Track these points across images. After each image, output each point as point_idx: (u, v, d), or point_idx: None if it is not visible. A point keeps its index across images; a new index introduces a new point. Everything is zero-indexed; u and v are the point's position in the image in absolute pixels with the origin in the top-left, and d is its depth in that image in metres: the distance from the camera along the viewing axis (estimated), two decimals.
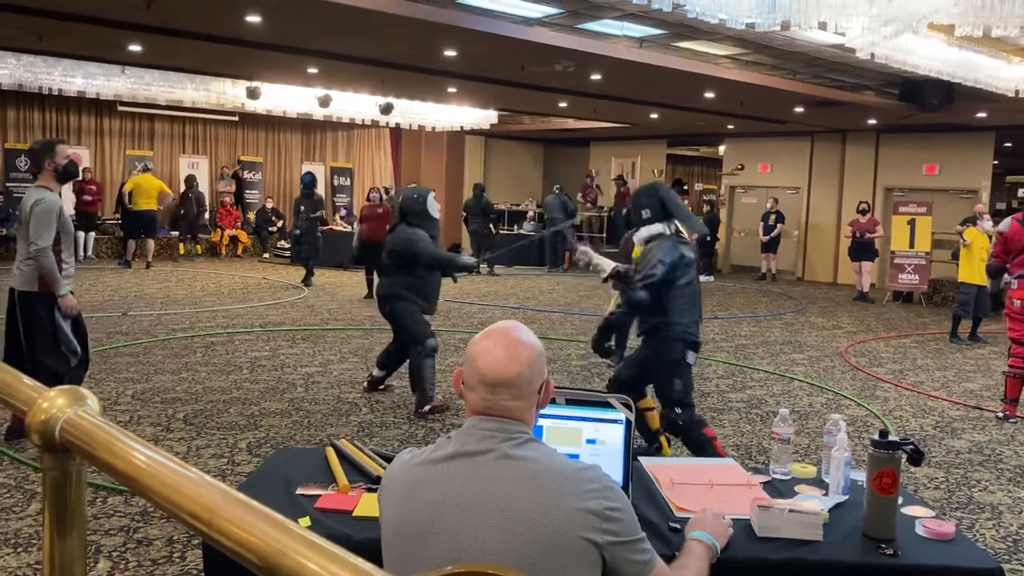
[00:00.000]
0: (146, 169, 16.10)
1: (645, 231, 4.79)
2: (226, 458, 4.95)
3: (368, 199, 12.39)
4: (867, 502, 2.28)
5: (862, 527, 2.28)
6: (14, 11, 8.70)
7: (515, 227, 19.67)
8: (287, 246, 17.52)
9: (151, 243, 15.34)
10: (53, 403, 1.00)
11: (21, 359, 4.90)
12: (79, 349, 5.14)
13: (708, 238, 17.01)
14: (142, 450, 0.92)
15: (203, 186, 17.98)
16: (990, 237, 9.38)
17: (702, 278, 16.12)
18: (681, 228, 4.83)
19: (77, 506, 1.04)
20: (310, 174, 14.00)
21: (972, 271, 10.06)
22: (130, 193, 15.28)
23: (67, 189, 15.75)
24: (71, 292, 5.08)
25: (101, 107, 17.11)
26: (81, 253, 15.51)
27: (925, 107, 12.16)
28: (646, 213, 4.80)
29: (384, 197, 12.91)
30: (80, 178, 15.72)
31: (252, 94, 14.22)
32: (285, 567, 0.73)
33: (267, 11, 8.40)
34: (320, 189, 19.80)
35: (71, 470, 1.02)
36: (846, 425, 2.73)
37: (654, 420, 4.96)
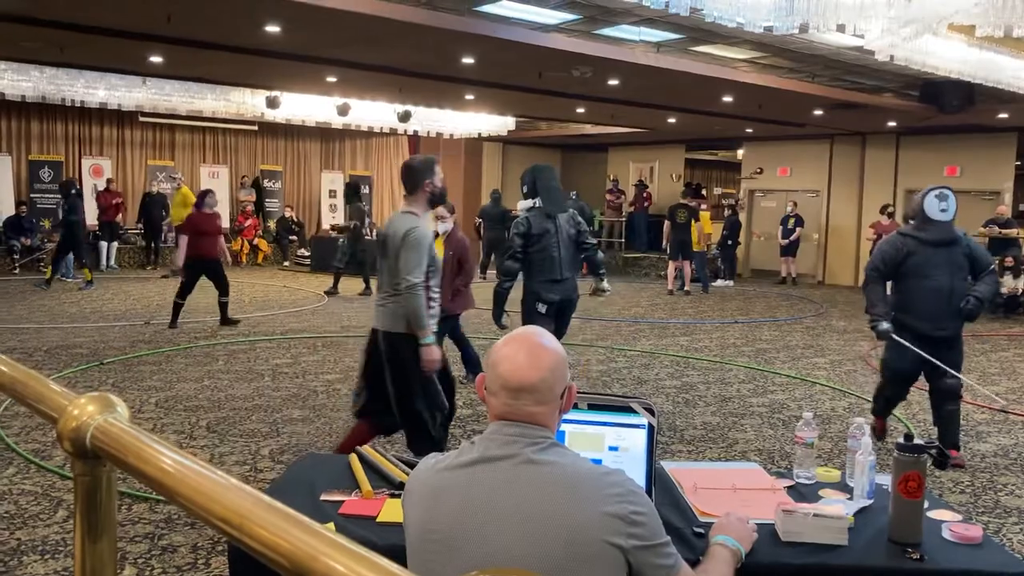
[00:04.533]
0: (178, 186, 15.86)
1: (520, 204, 5.96)
2: (249, 465, 4.98)
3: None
4: (893, 506, 2.27)
5: (888, 531, 2.26)
6: (38, 24, 8.83)
7: None
8: (307, 254, 17.64)
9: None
10: (84, 410, 1.02)
11: (380, 404, 4.32)
12: (446, 404, 4.39)
13: (730, 242, 16.96)
14: (172, 456, 0.92)
15: (223, 195, 18.11)
16: None
17: (720, 283, 16.24)
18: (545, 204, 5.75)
19: (108, 512, 1.05)
20: (347, 183, 14.04)
21: None
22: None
23: (90, 201, 16.01)
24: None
25: (123, 118, 17.30)
26: (104, 263, 15.67)
27: (945, 108, 12.08)
28: (524, 189, 5.91)
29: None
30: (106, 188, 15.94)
31: (272, 103, 14.32)
32: (316, 571, 0.73)
33: (286, 21, 8.47)
34: (340, 198, 19.99)
35: (102, 476, 1.03)
36: (870, 428, 2.71)
37: None
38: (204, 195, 9.83)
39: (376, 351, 4.25)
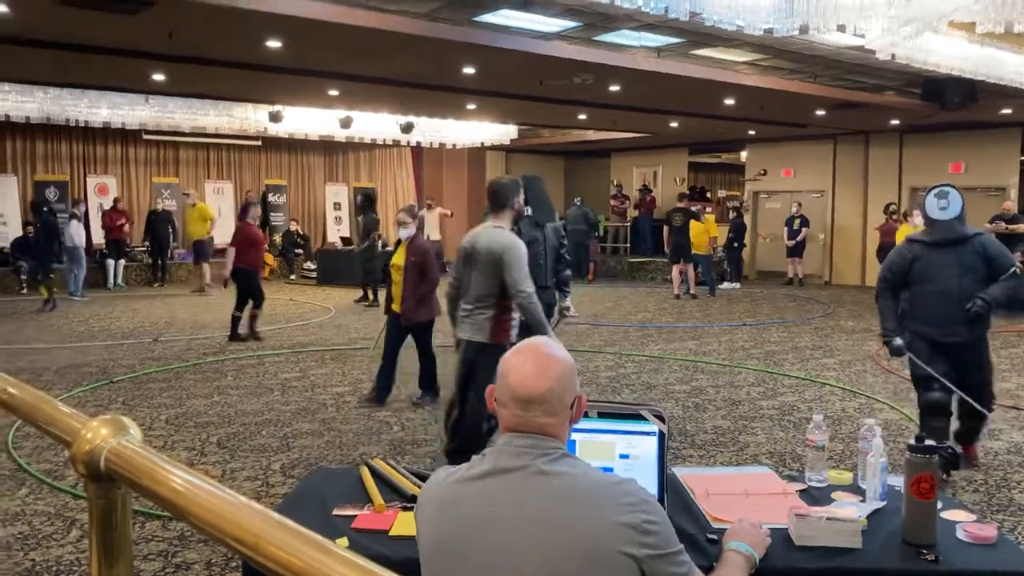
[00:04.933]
0: (192, 204, 15.85)
1: None
2: (260, 480, 4.99)
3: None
4: (906, 508, 2.26)
5: (901, 533, 2.25)
6: (41, 46, 8.88)
7: None
8: (313, 267, 17.67)
9: (203, 267, 15.21)
10: (97, 433, 1.02)
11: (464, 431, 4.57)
12: None
13: (735, 244, 16.96)
14: (185, 477, 0.93)
15: (228, 210, 18.18)
16: None
17: (726, 285, 16.23)
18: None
19: (123, 534, 1.06)
20: (363, 194, 14.08)
21: None
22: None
23: (95, 219, 16.09)
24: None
25: (127, 136, 17.38)
26: (111, 281, 15.72)
27: (948, 106, 12.06)
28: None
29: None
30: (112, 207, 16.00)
31: (274, 118, 14.38)
32: None
33: (287, 36, 8.51)
34: (344, 211, 20.05)
35: (116, 499, 1.04)
36: (881, 429, 2.70)
37: None
38: (248, 207, 9.91)
39: (462, 361, 4.58)
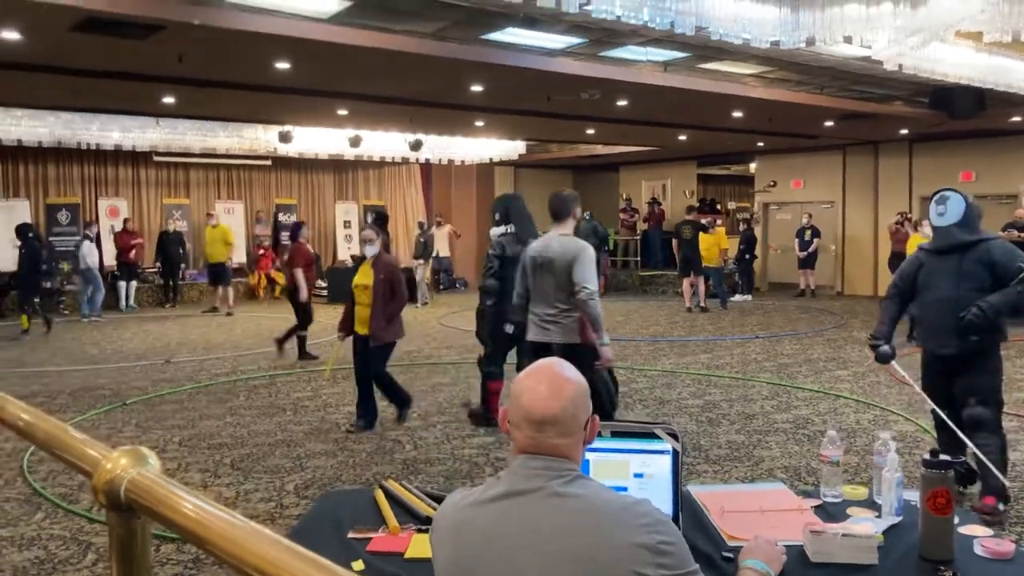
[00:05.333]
0: (214, 225, 15.52)
1: (493, 231, 6.48)
2: (274, 501, 4.99)
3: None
4: (922, 523, 2.25)
5: (918, 549, 2.24)
6: (54, 72, 8.98)
7: None
8: (324, 285, 17.71)
9: (223, 290, 15.13)
10: (117, 464, 1.04)
11: None
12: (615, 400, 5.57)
13: (746, 256, 16.92)
14: (205, 507, 0.94)
15: (239, 229, 18.29)
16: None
17: (738, 297, 16.19)
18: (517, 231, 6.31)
19: (142, 563, 1.07)
20: (377, 212, 14.11)
21: None
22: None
23: (108, 241, 16.17)
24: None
25: (137, 158, 17.50)
26: (123, 303, 15.79)
27: (956, 114, 12.04)
28: (496, 217, 6.46)
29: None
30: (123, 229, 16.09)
31: (284, 138, 14.47)
32: None
33: (296, 58, 8.58)
34: (354, 228, 20.10)
35: (136, 528, 1.05)
36: (896, 443, 2.69)
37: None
38: (300, 226, 9.95)
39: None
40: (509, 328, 5.99)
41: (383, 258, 6.48)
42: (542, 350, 4.82)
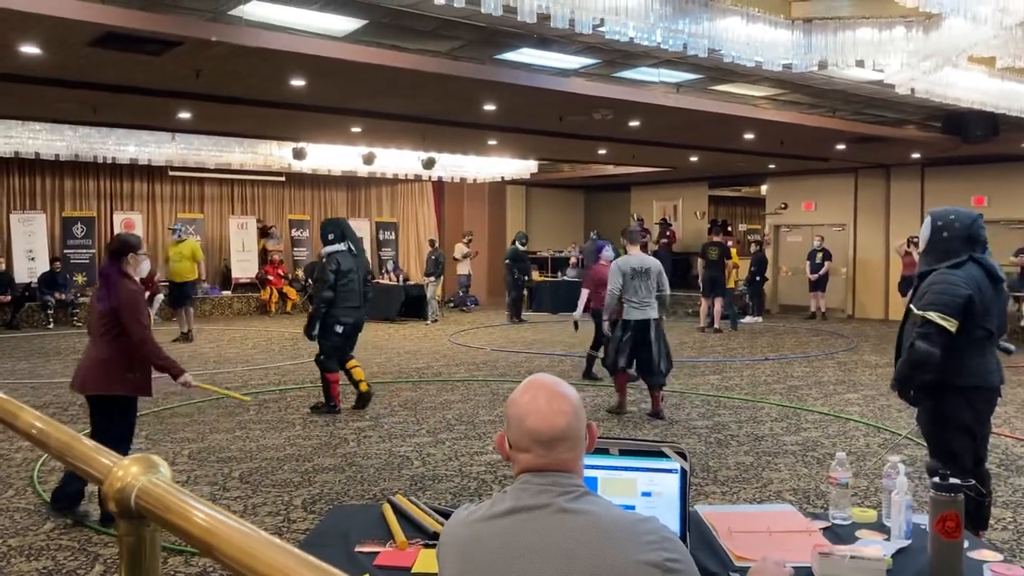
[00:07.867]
0: (180, 239, 13.74)
1: (327, 248, 7.60)
2: (282, 516, 5.00)
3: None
4: (931, 547, 2.24)
5: (927, 573, 2.23)
6: (72, 86, 9.08)
7: (559, 273, 19.72)
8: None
9: (186, 312, 13.44)
10: (128, 472, 1.05)
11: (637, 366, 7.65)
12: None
13: (757, 278, 16.88)
14: (215, 516, 0.95)
15: (251, 245, 18.39)
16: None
17: (749, 319, 16.13)
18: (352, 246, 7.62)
19: (152, 570, 1.07)
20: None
21: None
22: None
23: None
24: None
25: (153, 173, 17.64)
26: None
27: (969, 139, 12.03)
28: (330, 237, 7.60)
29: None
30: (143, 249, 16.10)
31: (298, 155, 14.56)
32: None
33: (311, 75, 8.65)
34: (367, 245, 20.16)
35: (146, 536, 1.06)
36: (906, 467, 2.68)
37: (358, 372, 7.89)
38: (603, 247, 9.89)
39: (645, 332, 7.43)
40: (339, 328, 7.49)
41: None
42: (645, 326, 7.41)
